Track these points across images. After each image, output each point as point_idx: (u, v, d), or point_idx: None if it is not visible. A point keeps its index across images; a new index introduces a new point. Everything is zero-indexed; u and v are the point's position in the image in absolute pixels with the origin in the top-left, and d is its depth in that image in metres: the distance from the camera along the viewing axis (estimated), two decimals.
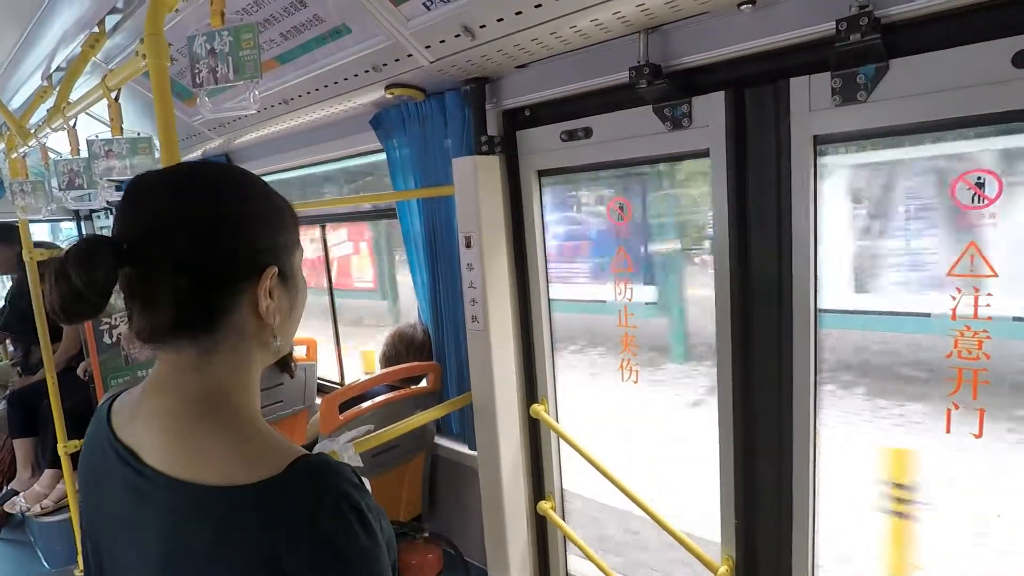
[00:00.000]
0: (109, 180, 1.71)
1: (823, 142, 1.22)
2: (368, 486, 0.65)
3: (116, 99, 1.47)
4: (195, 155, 2.74)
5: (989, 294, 1.13)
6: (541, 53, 1.43)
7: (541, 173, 1.69)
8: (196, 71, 1.22)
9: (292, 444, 0.63)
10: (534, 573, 1.91)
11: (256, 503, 0.56)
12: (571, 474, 1.88)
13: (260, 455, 0.59)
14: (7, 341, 3.81)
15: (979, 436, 1.19)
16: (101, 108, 2.24)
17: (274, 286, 0.65)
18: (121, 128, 1.52)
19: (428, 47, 1.44)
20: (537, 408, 1.78)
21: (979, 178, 1.10)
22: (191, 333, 0.63)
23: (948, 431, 1.22)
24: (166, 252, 0.60)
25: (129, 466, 0.62)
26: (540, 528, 1.90)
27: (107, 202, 2.01)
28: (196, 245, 0.61)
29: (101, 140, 1.53)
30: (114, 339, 2.62)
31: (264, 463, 0.58)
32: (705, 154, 1.35)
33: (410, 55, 1.48)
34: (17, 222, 2.36)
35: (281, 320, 0.67)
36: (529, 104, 1.63)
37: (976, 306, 1.15)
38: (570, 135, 1.55)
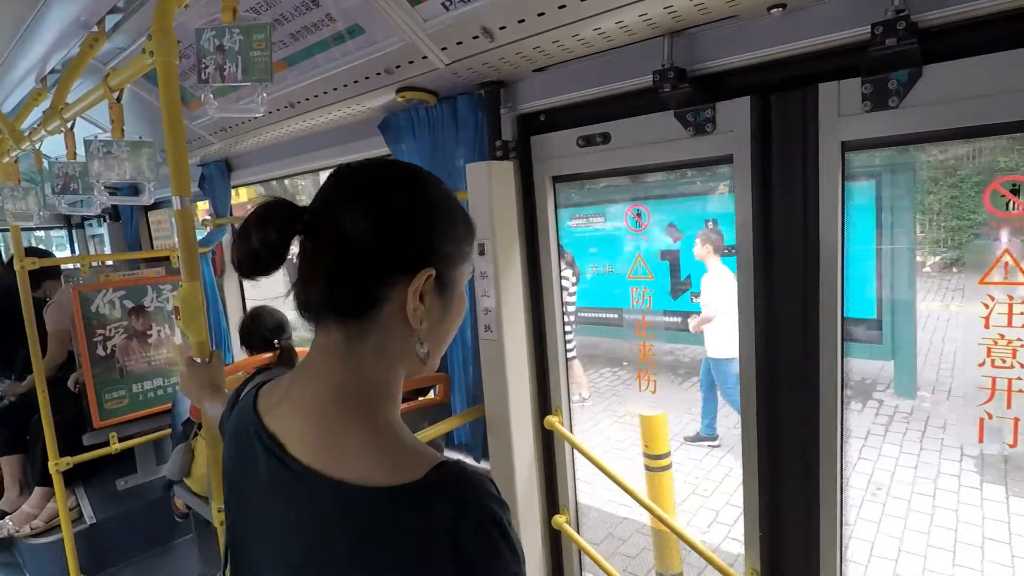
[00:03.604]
0: (105, 185, 1.65)
1: (851, 148, 1.20)
2: None
3: (118, 100, 1.42)
4: (194, 160, 2.68)
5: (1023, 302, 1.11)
6: (561, 56, 1.40)
7: (556, 179, 1.66)
8: (203, 66, 1.17)
9: (431, 449, 0.61)
10: None
11: (395, 508, 0.55)
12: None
13: (401, 457, 0.58)
14: None
15: (1014, 446, 1.17)
16: (97, 112, 2.18)
17: (428, 290, 0.64)
18: (122, 130, 1.46)
19: (444, 49, 1.41)
20: (551, 419, 1.74)
21: (1014, 185, 1.09)
22: (340, 316, 0.64)
23: (981, 440, 1.20)
24: (334, 228, 0.62)
25: (273, 455, 0.63)
26: (555, 542, 1.85)
27: (101, 209, 1.95)
28: (360, 227, 0.62)
29: (100, 142, 1.47)
30: (108, 351, 2.54)
31: (405, 466, 0.57)
32: (728, 160, 1.32)
33: (425, 57, 1.45)
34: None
35: (429, 328, 0.66)
36: (545, 108, 1.59)
37: (1010, 315, 1.13)
38: (587, 140, 1.52)
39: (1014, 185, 1.08)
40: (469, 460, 2.02)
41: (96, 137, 1.55)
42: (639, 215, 1.58)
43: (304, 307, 0.65)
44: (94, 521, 2.68)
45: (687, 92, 1.29)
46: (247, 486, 0.68)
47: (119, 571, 2.71)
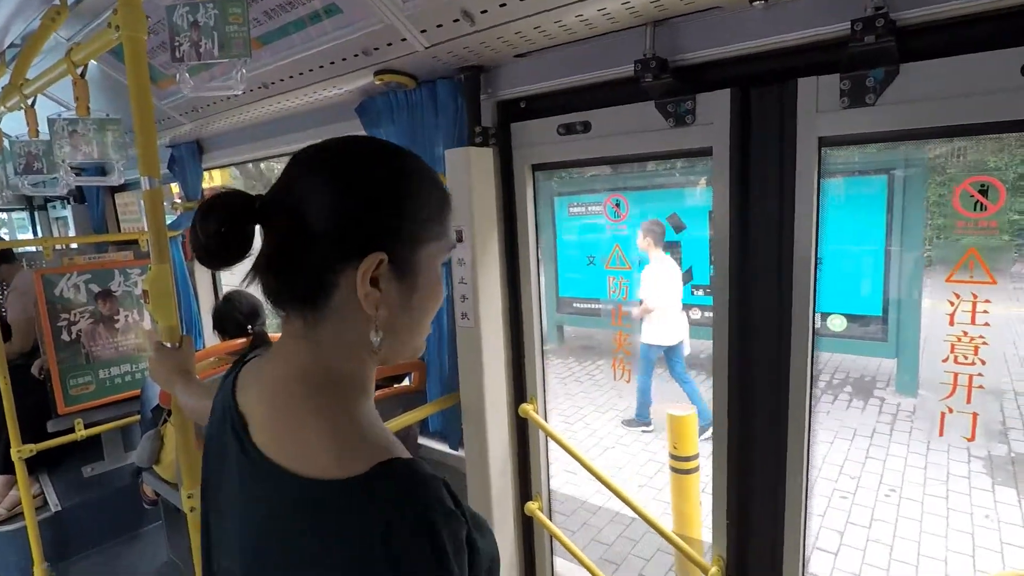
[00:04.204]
0: (72, 165, 1.59)
1: (828, 144, 1.21)
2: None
3: (82, 76, 1.36)
4: (163, 141, 2.59)
5: (987, 300, 1.14)
6: (542, 42, 1.38)
7: (535, 167, 1.65)
8: (176, 44, 1.13)
9: (389, 442, 0.58)
10: (520, 574, 1.88)
11: (335, 502, 0.53)
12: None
13: (350, 449, 0.56)
14: None
15: (971, 439, 1.21)
16: (61, 89, 2.10)
17: (383, 275, 0.60)
18: (88, 108, 1.41)
19: (424, 31, 1.38)
20: (527, 408, 1.74)
21: (982, 185, 1.11)
22: (296, 303, 0.63)
23: (941, 434, 1.24)
24: (282, 213, 0.61)
25: (238, 438, 0.63)
26: (527, 529, 1.86)
27: (66, 190, 1.87)
28: (306, 211, 0.60)
29: (64, 120, 1.42)
30: (73, 336, 2.46)
31: (352, 459, 0.55)
32: (708, 153, 1.33)
33: (404, 39, 1.42)
34: None
35: (389, 316, 0.62)
36: (525, 96, 1.57)
37: (974, 312, 1.16)
38: (567, 129, 1.51)
39: (983, 186, 1.10)
40: (444, 448, 2.02)
41: (60, 115, 1.49)
42: (618, 205, 1.58)
43: (264, 294, 0.65)
44: (59, 509, 2.62)
45: (668, 83, 1.28)
46: (219, 465, 0.68)
47: (85, 559, 2.66)
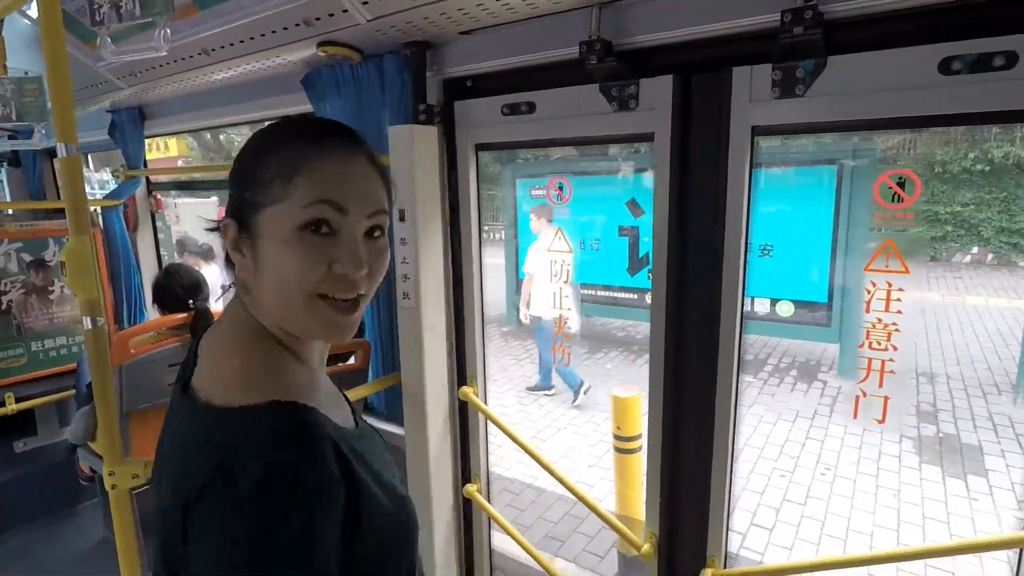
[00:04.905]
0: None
1: (761, 133, 1.23)
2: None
3: None
4: (100, 106, 2.47)
5: (901, 289, 1.19)
6: (486, 20, 1.36)
7: (479, 147, 1.64)
8: (95, 7, 1.08)
9: (292, 387, 0.62)
10: (458, 554, 1.90)
11: (205, 429, 0.57)
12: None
13: (239, 384, 0.60)
14: None
15: (882, 421, 1.27)
16: None
17: (240, 240, 0.65)
18: (5, 66, 1.33)
19: (366, 3, 1.34)
20: (466, 390, 1.75)
21: (900, 178, 1.15)
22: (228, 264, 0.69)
23: (856, 416, 1.29)
24: None
25: (183, 378, 0.66)
26: (466, 510, 1.88)
27: None
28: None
29: None
30: (3, 306, 2.36)
31: (235, 393, 0.59)
32: (650, 138, 1.34)
33: (345, 10, 1.37)
34: None
35: (249, 279, 0.66)
36: (471, 74, 1.55)
37: (888, 300, 1.21)
38: (512, 109, 1.50)
39: (900, 179, 1.14)
40: (390, 427, 2.01)
41: None
42: (560, 188, 1.58)
43: None
44: None
45: (612, 66, 1.28)
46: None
47: (17, 536, 2.58)
